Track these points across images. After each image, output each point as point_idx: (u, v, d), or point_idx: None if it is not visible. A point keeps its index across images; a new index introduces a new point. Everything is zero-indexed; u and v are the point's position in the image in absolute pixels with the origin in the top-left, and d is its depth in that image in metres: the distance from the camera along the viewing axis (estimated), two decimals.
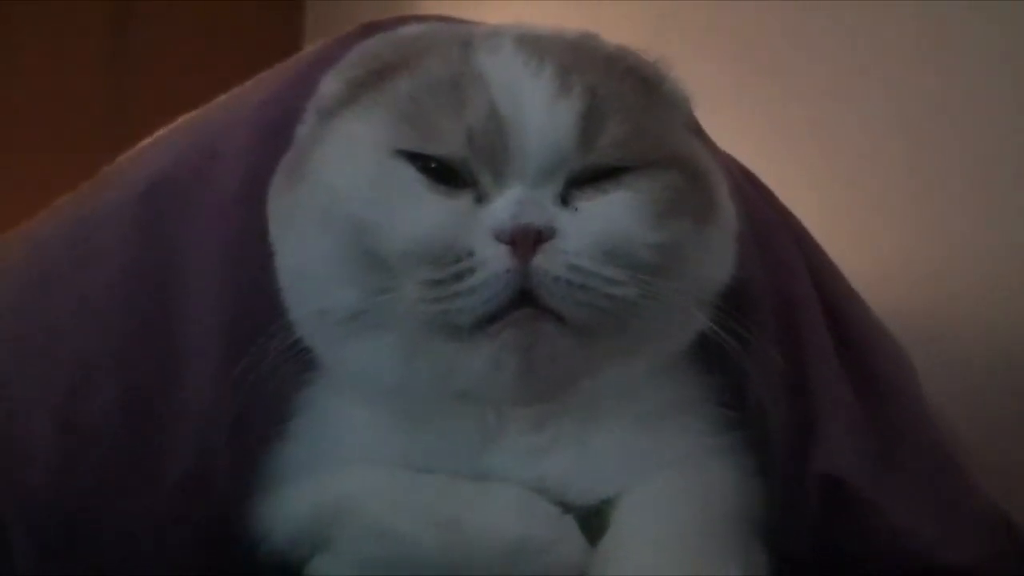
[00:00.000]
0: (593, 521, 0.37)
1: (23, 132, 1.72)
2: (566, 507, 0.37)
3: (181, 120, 0.46)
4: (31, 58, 1.76)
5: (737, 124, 0.45)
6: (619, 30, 0.42)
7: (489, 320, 0.35)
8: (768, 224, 0.45)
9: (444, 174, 0.36)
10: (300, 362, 0.39)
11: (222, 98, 0.46)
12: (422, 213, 0.35)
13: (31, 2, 1.76)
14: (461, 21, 0.45)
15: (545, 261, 0.34)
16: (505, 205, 0.35)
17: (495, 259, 0.34)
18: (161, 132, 0.46)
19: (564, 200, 0.36)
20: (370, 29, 0.44)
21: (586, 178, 0.36)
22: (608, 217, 0.36)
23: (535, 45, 0.37)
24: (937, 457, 0.42)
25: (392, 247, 0.35)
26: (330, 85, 0.40)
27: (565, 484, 0.38)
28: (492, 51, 0.38)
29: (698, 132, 0.42)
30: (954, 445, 0.42)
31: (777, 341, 0.42)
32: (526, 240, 0.34)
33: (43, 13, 1.77)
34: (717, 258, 0.39)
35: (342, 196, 0.37)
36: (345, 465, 0.39)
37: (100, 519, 0.40)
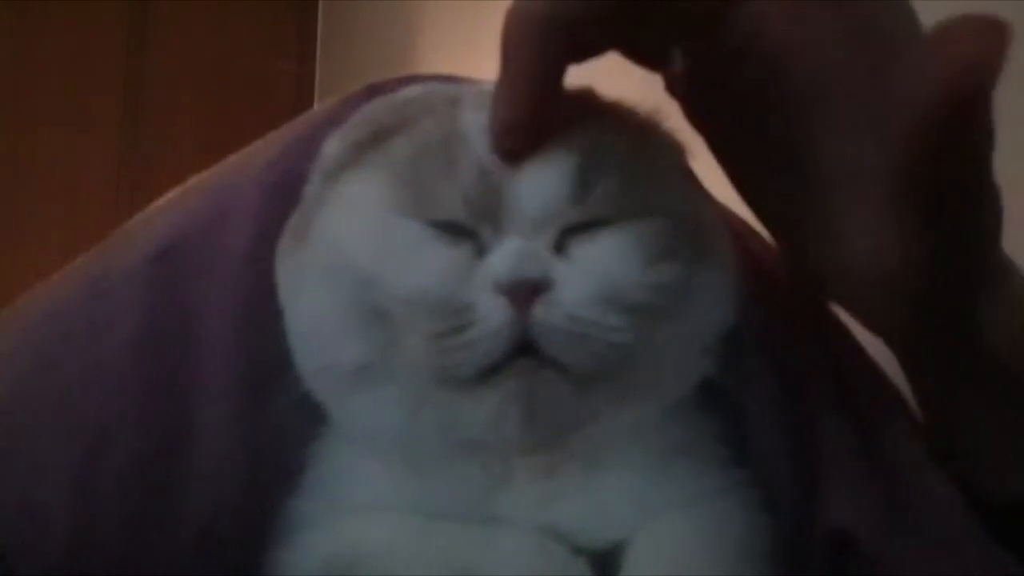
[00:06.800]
0: (605, 564, 0.38)
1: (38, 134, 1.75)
2: (578, 551, 0.37)
3: (190, 182, 0.47)
4: (50, 45, 1.79)
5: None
6: (614, 82, 0.43)
7: (491, 371, 0.35)
8: (766, 272, 0.45)
9: (445, 227, 0.37)
10: (310, 416, 0.40)
11: (231, 159, 0.47)
12: (423, 267, 0.36)
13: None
14: (462, 80, 0.46)
15: (544, 312, 0.35)
16: (502, 258, 0.36)
17: (494, 311, 0.35)
18: (170, 194, 0.46)
19: (558, 248, 0.37)
20: (374, 91, 0.46)
21: (580, 227, 0.37)
22: (603, 264, 0.36)
23: None
24: (947, 509, 0.42)
25: (394, 301, 0.36)
26: (332, 147, 0.41)
27: (576, 528, 0.38)
28: (479, 108, 0.38)
29: (693, 180, 0.43)
30: (956, 490, 0.42)
31: (779, 388, 0.42)
32: (524, 292, 0.35)
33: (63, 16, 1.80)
34: (715, 302, 0.40)
35: (345, 253, 0.37)
36: (357, 515, 0.39)
37: None
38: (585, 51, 0.39)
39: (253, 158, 0.46)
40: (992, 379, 0.42)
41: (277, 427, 0.39)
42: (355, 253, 0.37)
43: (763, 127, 0.41)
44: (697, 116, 0.44)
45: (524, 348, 0.35)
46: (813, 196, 0.40)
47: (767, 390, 0.42)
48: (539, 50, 0.36)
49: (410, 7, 1.80)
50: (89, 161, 1.83)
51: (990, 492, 0.42)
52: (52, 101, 1.83)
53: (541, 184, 0.37)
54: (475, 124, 0.38)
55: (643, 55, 0.43)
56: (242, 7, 2.02)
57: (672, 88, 0.44)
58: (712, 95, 0.43)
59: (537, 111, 0.37)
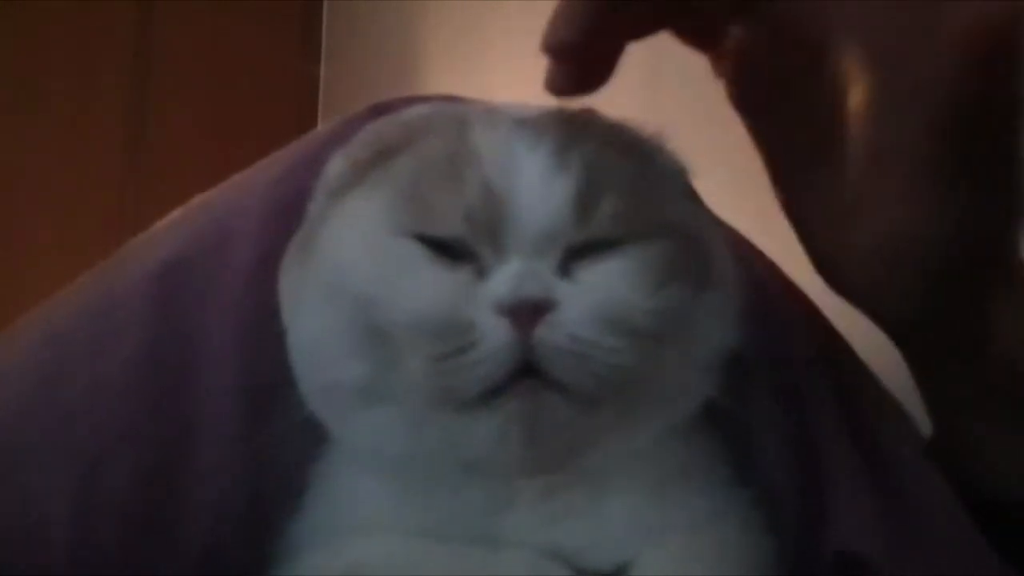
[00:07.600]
0: None
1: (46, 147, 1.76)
2: (580, 573, 0.37)
3: (194, 201, 0.47)
4: (53, 45, 1.80)
5: (733, 192, 0.46)
6: (614, 103, 0.42)
7: (493, 392, 0.35)
8: (770, 291, 0.45)
9: (446, 248, 0.37)
10: (312, 436, 0.40)
11: (234, 178, 0.47)
12: (424, 288, 0.36)
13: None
14: (465, 100, 0.46)
15: (546, 333, 0.35)
16: (504, 279, 0.36)
17: (496, 332, 0.35)
18: (174, 213, 0.46)
19: (563, 271, 0.36)
20: (378, 110, 0.46)
21: (584, 249, 0.37)
22: (607, 286, 0.36)
23: (532, 122, 0.38)
24: (951, 525, 0.41)
25: (396, 322, 0.36)
26: (336, 166, 0.41)
27: (578, 550, 0.38)
28: (488, 128, 0.39)
29: (696, 200, 0.43)
30: (960, 509, 0.42)
31: (783, 409, 0.42)
32: (526, 313, 0.35)
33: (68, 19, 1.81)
34: (719, 324, 0.40)
35: (347, 273, 0.37)
36: (358, 535, 0.39)
37: None
38: (641, 26, 0.40)
39: (256, 177, 0.46)
40: (1003, 386, 0.42)
41: (279, 447, 0.39)
42: (355, 274, 0.37)
43: (803, 112, 0.41)
44: (740, 99, 0.44)
45: (526, 370, 0.35)
46: (843, 178, 0.40)
47: (770, 411, 0.42)
48: None
49: (415, 8, 1.79)
50: (92, 168, 1.83)
51: (994, 497, 0.42)
52: (54, 101, 1.83)
53: (544, 204, 0.36)
54: (487, 142, 0.38)
55: (694, 34, 0.44)
56: (247, 7, 2.02)
57: (718, 70, 0.44)
58: (756, 78, 0.43)
59: (585, 39, 0.38)
